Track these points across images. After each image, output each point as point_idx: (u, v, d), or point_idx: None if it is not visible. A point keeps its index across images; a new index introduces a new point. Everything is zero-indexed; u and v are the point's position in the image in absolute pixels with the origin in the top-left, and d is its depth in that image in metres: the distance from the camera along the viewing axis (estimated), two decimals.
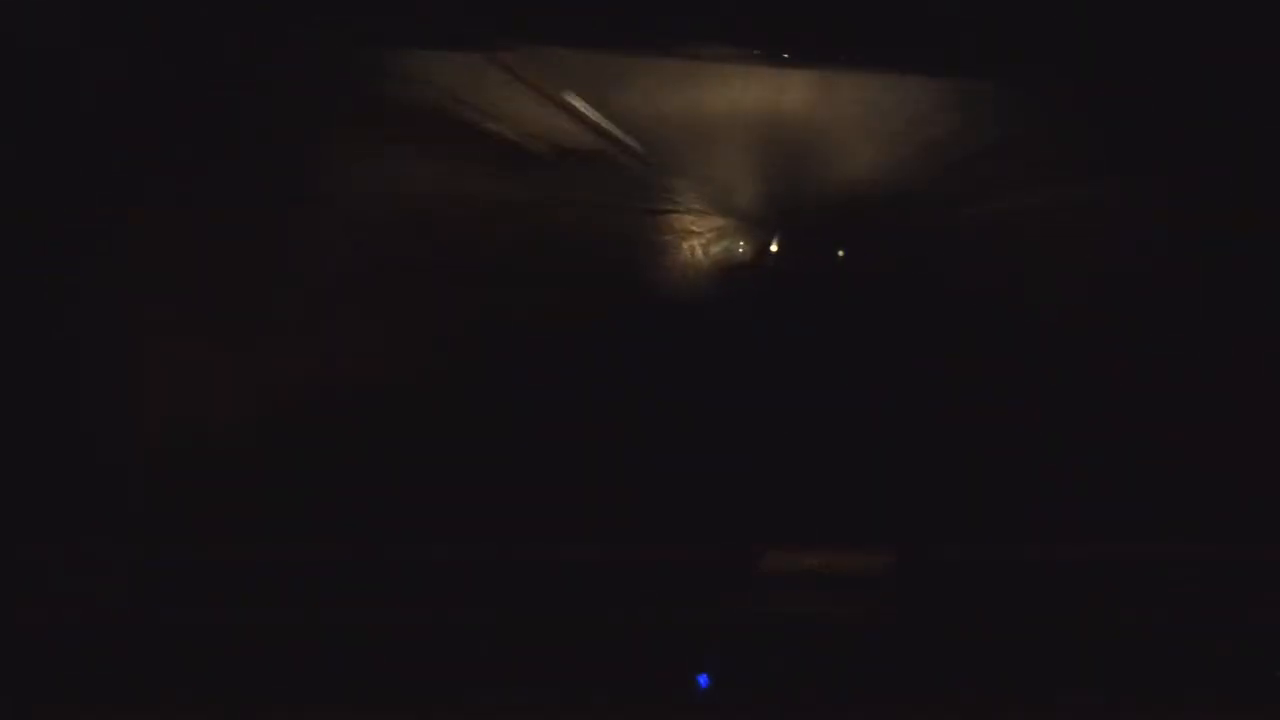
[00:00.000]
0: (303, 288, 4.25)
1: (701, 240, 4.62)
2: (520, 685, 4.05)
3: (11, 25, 3.28)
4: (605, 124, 3.94)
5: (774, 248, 4.59)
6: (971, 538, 4.54)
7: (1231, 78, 3.54)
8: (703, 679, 4.19)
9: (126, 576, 3.95)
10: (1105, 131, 4.01)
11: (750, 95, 3.94)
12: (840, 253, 4.54)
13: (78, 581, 3.84)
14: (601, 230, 4.45)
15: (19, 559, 3.80)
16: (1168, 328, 4.48)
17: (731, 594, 4.48)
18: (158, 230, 3.94)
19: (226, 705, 3.72)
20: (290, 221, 4.17)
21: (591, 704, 4.06)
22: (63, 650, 3.73)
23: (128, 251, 3.91)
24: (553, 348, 4.56)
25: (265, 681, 3.85)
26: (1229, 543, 4.35)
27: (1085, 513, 4.51)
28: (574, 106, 3.88)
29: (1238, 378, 4.49)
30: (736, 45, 3.54)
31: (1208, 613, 4.19)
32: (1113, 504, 4.51)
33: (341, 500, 4.35)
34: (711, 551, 4.53)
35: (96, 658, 3.75)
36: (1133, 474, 4.53)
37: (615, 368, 4.53)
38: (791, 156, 4.20)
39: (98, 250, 3.80)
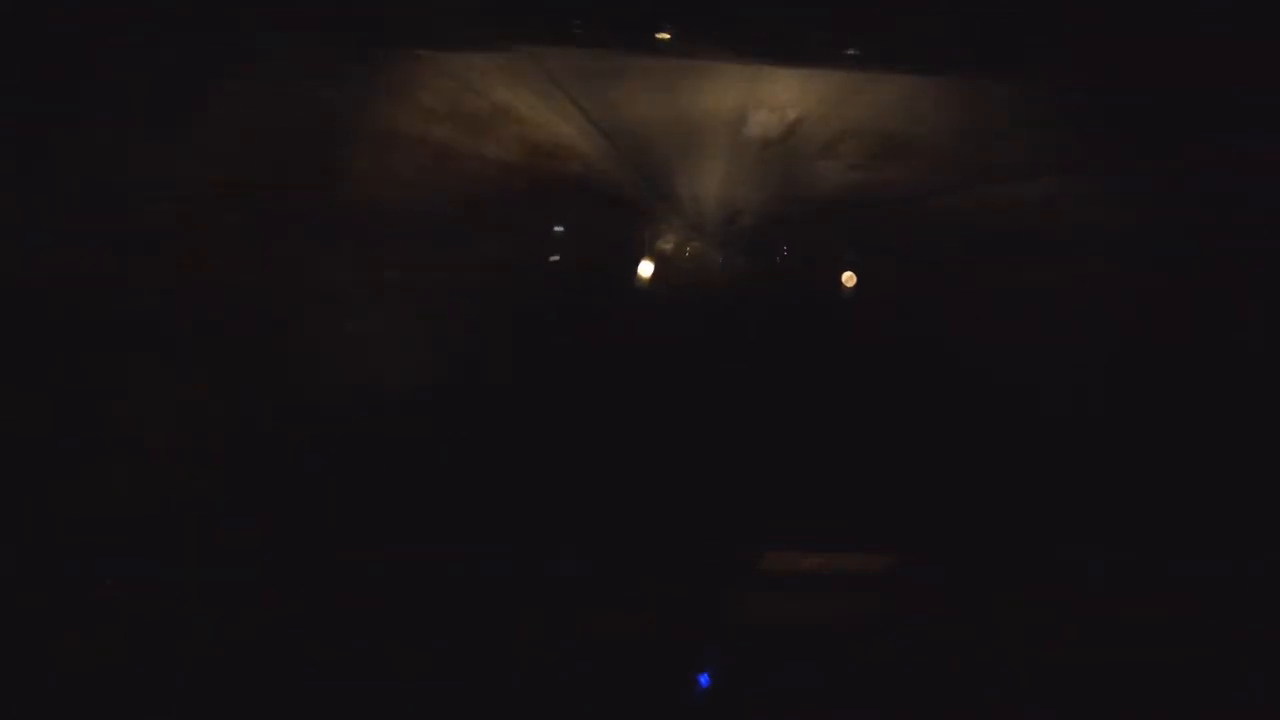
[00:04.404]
0: None
1: (703, 245, 4.62)
2: (521, 684, 4.05)
3: None
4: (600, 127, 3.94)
5: (771, 257, 4.59)
6: (969, 540, 4.54)
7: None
8: (703, 679, 4.19)
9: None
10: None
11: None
12: (841, 261, 4.55)
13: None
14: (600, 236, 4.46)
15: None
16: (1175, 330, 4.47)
17: (732, 594, 4.49)
18: None
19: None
20: None
21: (592, 703, 4.07)
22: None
23: None
24: (553, 353, 4.56)
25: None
26: (1227, 550, 4.35)
27: (1084, 515, 4.51)
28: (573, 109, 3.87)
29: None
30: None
31: (1203, 613, 4.19)
32: (1111, 506, 4.51)
33: (348, 501, 4.36)
34: (712, 553, 4.54)
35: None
36: (1132, 477, 4.53)
37: (616, 373, 4.54)
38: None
39: None
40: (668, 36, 3.33)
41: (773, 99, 3.90)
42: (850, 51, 3.42)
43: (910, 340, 4.57)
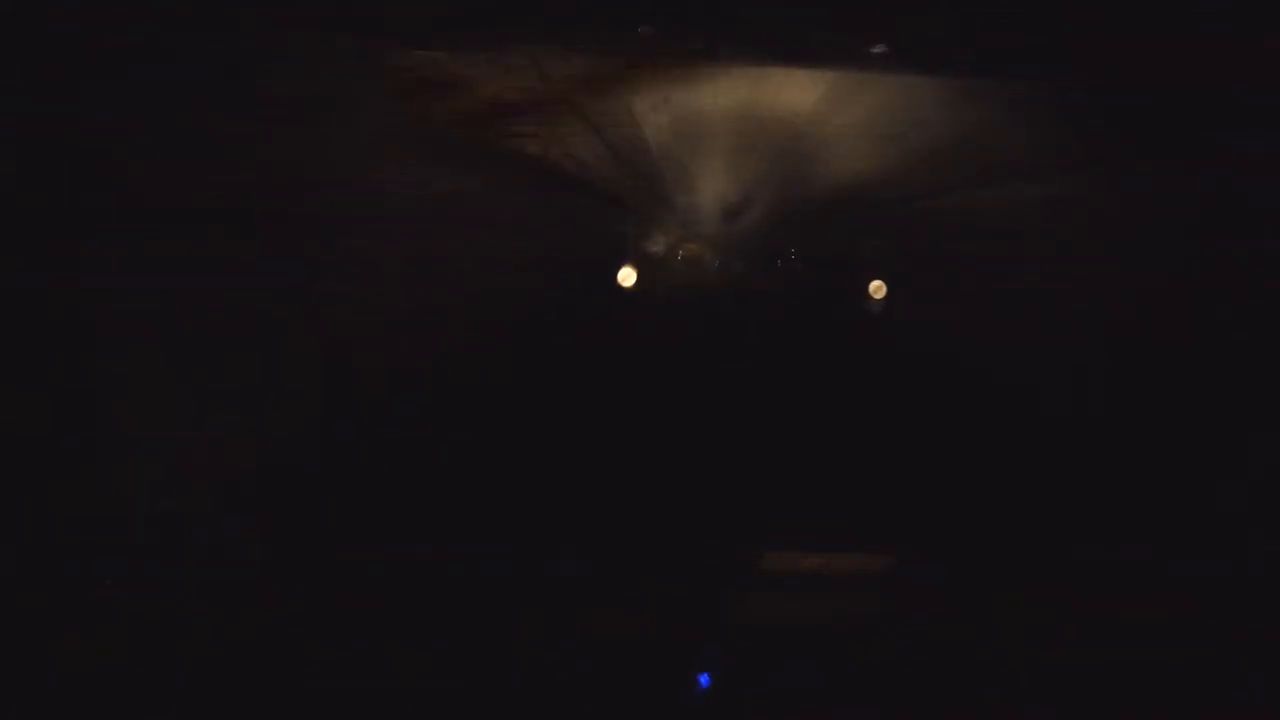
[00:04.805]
0: None
1: (701, 246, 4.62)
2: (521, 684, 4.05)
3: None
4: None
5: (770, 258, 4.58)
6: (969, 540, 4.54)
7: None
8: (703, 679, 4.19)
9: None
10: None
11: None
12: (843, 264, 4.53)
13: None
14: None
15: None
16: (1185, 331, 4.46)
17: (732, 594, 4.49)
18: None
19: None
20: None
21: (592, 703, 4.07)
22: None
23: None
24: (553, 354, 4.56)
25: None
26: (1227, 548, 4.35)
27: (1083, 515, 4.51)
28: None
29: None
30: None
31: (1203, 613, 4.19)
32: (1111, 506, 4.51)
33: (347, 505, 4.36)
34: (712, 553, 4.54)
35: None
36: (1132, 477, 4.53)
37: (615, 374, 4.53)
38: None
39: None
40: (651, 31, 3.30)
41: (772, 100, 3.89)
42: (877, 49, 3.40)
43: (909, 340, 4.56)
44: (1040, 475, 4.55)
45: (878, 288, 4.41)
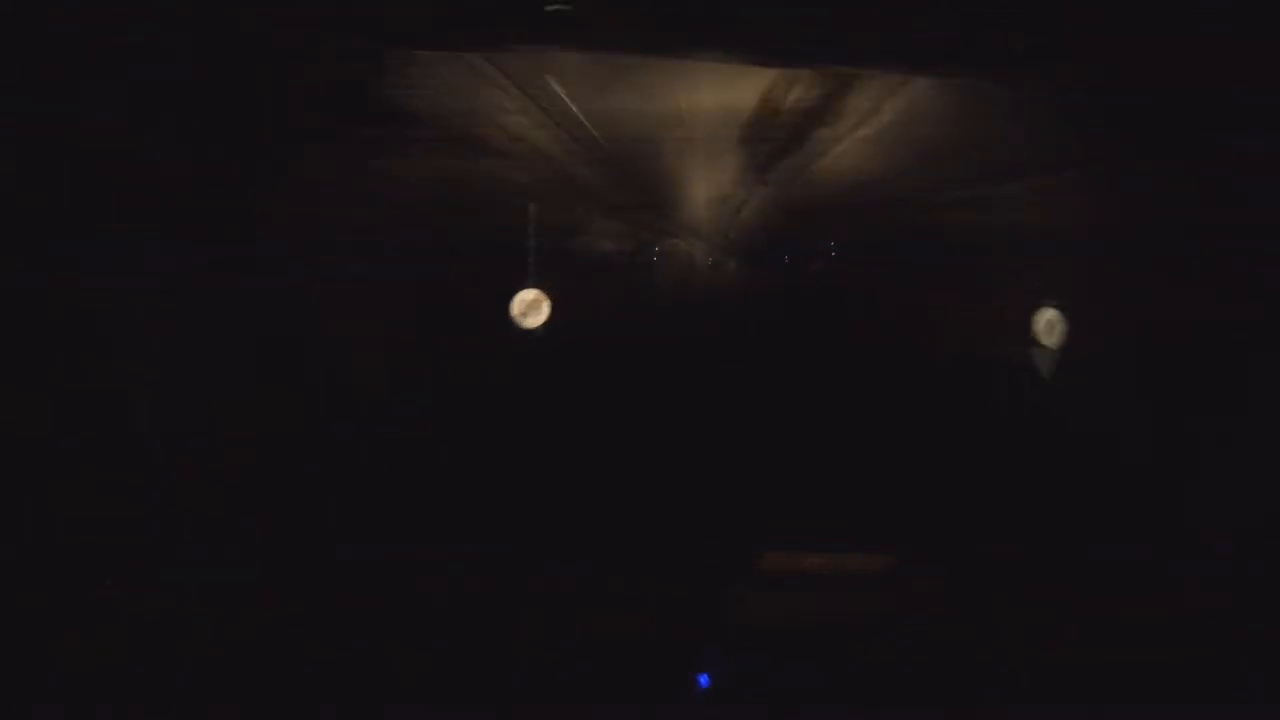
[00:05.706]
0: None
1: (701, 244, 4.62)
2: (521, 684, 4.05)
3: None
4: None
5: (769, 257, 4.58)
6: (969, 540, 4.54)
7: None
8: (703, 679, 4.19)
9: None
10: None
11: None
12: (835, 263, 4.54)
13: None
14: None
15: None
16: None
17: (732, 594, 4.48)
18: None
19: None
20: None
21: (592, 703, 4.06)
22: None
23: None
24: (552, 354, 4.57)
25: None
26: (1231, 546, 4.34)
27: (1083, 515, 4.51)
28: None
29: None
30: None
31: (1203, 613, 4.18)
32: (1111, 506, 4.51)
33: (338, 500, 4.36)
34: (712, 553, 4.54)
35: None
36: (1133, 477, 4.53)
37: (616, 374, 4.54)
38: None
39: None
40: (568, 7, 3.17)
41: (772, 99, 3.89)
42: (1019, 49, 3.35)
43: (910, 340, 4.57)
44: (1040, 475, 4.56)
45: (1051, 324, 4.14)
